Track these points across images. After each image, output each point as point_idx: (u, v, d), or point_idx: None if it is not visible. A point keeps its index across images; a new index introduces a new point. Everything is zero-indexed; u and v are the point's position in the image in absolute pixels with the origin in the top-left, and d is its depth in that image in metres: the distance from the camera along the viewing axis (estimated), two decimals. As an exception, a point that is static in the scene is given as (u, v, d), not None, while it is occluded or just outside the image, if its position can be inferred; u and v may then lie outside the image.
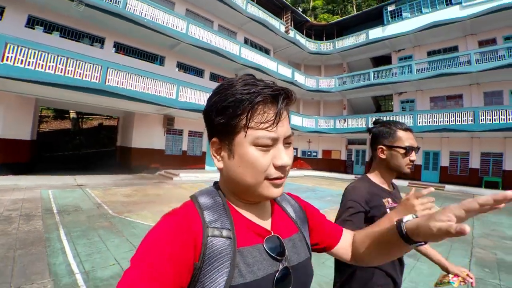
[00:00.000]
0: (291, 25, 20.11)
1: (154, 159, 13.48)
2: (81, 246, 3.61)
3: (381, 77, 18.40)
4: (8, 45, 7.76)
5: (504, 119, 13.11)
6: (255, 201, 0.57)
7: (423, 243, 0.51)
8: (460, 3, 16.33)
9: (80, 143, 20.30)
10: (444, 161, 16.43)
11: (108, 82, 9.55)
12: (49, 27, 10.47)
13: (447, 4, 16.99)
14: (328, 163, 21.36)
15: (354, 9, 41.33)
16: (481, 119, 13.70)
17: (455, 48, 17.36)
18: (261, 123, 0.49)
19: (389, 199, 1.19)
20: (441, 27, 16.69)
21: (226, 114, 0.49)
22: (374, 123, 1.31)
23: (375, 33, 19.48)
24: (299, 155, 22.13)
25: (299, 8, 44.06)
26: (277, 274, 0.51)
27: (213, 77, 15.92)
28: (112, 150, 18.77)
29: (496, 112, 13.32)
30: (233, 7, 15.43)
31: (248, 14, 16.22)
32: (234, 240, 0.49)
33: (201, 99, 12.40)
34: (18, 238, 3.71)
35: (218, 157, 0.54)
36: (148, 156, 13.39)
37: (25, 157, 10.18)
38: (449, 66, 15.70)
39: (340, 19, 24.19)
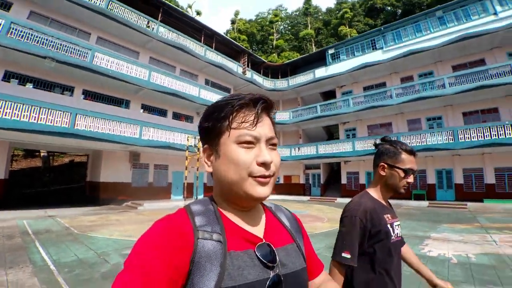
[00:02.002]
0: (248, 66, 23.07)
1: (121, 191, 14.70)
2: (51, 249, 5.10)
3: (329, 109, 21.37)
4: (-13, 99, 9.25)
5: (421, 141, 16.08)
6: (247, 206, 0.58)
7: None
8: (382, 48, 20.15)
9: (50, 180, 20.83)
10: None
11: (77, 126, 11.13)
12: (23, 80, 12.05)
13: (373, 49, 20.80)
14: (289, 187, 23.37)
15: (313, 46, 46.66)
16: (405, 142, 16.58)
17: (384, 84, 20.92)
18: (242, 122, 0.54)
19: (389, 215, 1.20)
20: (370, 67, 20.29)
21: (212, 119, 0.56)
22: (382, 140, 1.32)
23: (320, 72, 22.90)
24: (263, 180, 23.97)
25: (268, 46, 48.76)
26: (268, 281, 0.50)
27: (176, 116, 17.93)
28: (82, 185, 19.52)
29: (417, 136, 16.33)
30: (192, 54, 17.97)
31: (206, 59, 18.82)
32: (224, 243, 0.50)
33: (163, 136, 14.21)
34: (5, 247, 5.13)
35: (208, 162, 0.58)
36: (116, 189, 14.60)
37: (-3, 195, 11.16)
38: (380, 99, 18.94)
39: (291, 60, 27.92)
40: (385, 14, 46.79)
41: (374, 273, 1.12)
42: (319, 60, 23.94)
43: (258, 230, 0.59)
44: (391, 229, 1.17)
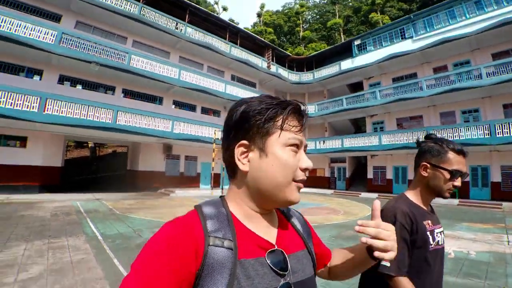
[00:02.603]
0: (273, 61, 23.44)
1: (156, 179, 16.33)
2: (99, 224, 6.35)
3: (356, 102, 21.04)
4: (47, 100, 11.00)
5: (455, 136, 15.27)
6: (269, 209, 0.59)
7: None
8: (412, 37, 19.26)
9: (97, 168, 23.56)
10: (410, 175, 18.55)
11: (118, 121, 12.68)
12: (74, 82, 13.87)
13: (402, 38, 19.95)
14: (313, 180, 23.57)
15: (342, 36, 45.18)
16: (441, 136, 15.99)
17: (415, 75, 20.01)
18: (293, 126, 0.55)
19: (429, 221, 1.11)
20: (399, 58, 19.51)
21: (263, 115, 0.54)
22: (426, 137, 1.21)
23: (346, 64, 22.51)
24: (288, 173, 24.55)
25: (296, 37, 48.37)
26: None
27: (204, 110, 19.12)
28: (123, 173, 21.82)
29: (450, 130, 15.49)
30: (218, 52, 18.88)
31: (231, 56, 19.63)
32: (235, 251, 0.48)
33: (192, 130, 15.44)
34: (64, 221, 6.49)
35: (243, 159, 0.55)
36: (151, 177, 16.26)
37: (56, 180, 13.26)
38: (410, 91, 18.26)
39: (316, 52, 27.61)
40: (422, -3, 43.34)
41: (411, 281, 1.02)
42: (346, 51, 23.43)
43: (271, 235, 0.58)
44: (430, 236, 1.08)
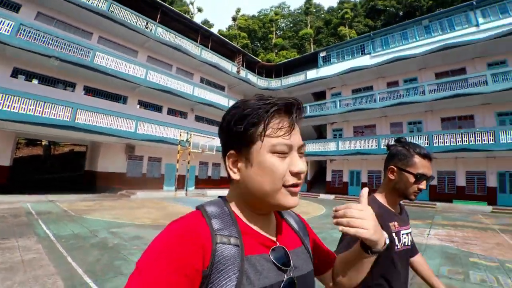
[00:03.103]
0: (243, 66, 24.02)
1: (116, 181, 15.88)
2: (52, 226, 6.27)
3: (319, 110, 22.39)
4: (-2, 94, 10.34)
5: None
6: (267, 212, 0.59)
7: (380, 250, 0.60)
8: (370, 53, 21.07)
9: (51, 168, 22.08)
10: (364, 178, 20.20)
11: (78, 120, 12.24)
12: (30, 76, 13.11)
13: (362, 54, 21.71)
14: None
15: (312, 46, 47.31)
16: (383, 145, 17.68)
17: (371, 87, 21.88)
18: (277, 129, 0.51)
19: (396, 223, 1.14)
20: (358, 71, 21.22)
21: (244, 123, 0.52)
22: (396, 141, 1.25)
23: (312, 74, 23.86)
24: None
25: (270, 43, 49.50)
26: (283, 284, 0.51)
27: (171, 111, 19.02)
28: (80, 174, 20.74)
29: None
30: (188, 54, 18.97)
31: (202, 59, 19.83)
32: (242, 248, 0.50)
33: (157, 131, 15.33)
34: (13, 223, 6.31)
35: (234, 169, 0.55)
36: (112, 179, 15.78)
37: (3, 180, 12.36)
38: (366, 102, 19.95)
39: (284, 61, 28.79)
40: (386, 15, 46.92)
41: (373, 282, 1.07)
42: (312, 61, 24.86)
43: (271, 234, 0.59)
44: (396, 238, 1.12)
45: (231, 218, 0.54)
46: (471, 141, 15.07)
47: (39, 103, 11.23)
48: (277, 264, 0.53)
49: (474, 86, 15.89)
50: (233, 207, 0.58)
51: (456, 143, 15.45)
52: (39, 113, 11.15)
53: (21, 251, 4.36)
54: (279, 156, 0.52)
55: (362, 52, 21.69)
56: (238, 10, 50.52)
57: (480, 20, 17.18)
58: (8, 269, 3.61)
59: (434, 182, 17.63)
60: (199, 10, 44.09)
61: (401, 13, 45.74)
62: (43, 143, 24.38)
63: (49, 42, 12.23)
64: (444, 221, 10.26)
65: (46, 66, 13.12)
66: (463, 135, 15.40)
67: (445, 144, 15.74)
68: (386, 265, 1.09)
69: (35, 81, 13.17)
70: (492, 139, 14.48)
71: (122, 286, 3.22)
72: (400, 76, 20.64)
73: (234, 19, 50.08)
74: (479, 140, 14.86)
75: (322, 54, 23.94)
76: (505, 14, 16.50)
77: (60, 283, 3.27)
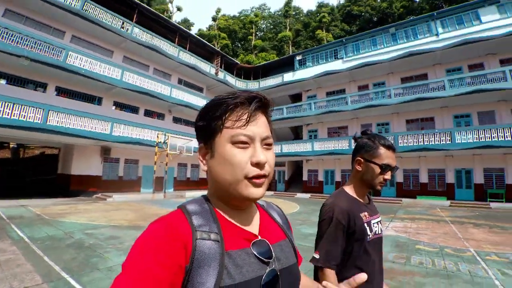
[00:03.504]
0: (221, 67, 24.31)
1: (92, 184, 15.62)
2: (25, 229, 6.32)
3: (295, 111, 23.17)
4: (-38, 96, 9.97)
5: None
6: (241, 206, 0.59)
7: None
8: (343, 58, 22.16)
9: (20, 172, 21.10)
10: (338, 177, 21.24)
11: (49, 121, 11.99)
12: (-3, 76, 12.64)
13: (335, 58, 22.77)
14: (257, 182, 25.05)
15: (290, 48, 48.37)
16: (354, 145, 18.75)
17: (344, 90, 22.99)
18: (235, 121, 0.53)
19: (366, 213, 1.18)
20: (331, 75, 22.24)
21: (207, 117, 0.56)
22: (362, 133, 1.29)
23: (288, 76, 24.65)
24: (232, 176, 25.64)
25: (250, 44, 49.91)
26: (264, 276, 0.52)
27: (148, 113, 18.94)
28: (53, 177, 20.02)
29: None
30: (165, 55, 18.98)
31: (179, 60, 19.90)
32: (222, 243, 0.51)
33: (133, 133, 15.27)
34: (-17, 229, 6.27)
35: (204, 161, 0.58)
36: (87, 182, 15.50)
37: (-32, 185, 11.84)
38: (338, 105, 20.96)
39: (262, 63, 29.48)
40: (361, 21, 48.92)
41: (349, 272, 1.09)
42: (289, 64, 25.65)
43: (254, 228, 0.60)
44: (368, 227, 1.14)
45: (211, 214, 0.55)
46: (431, 141, 16.44)
47: (7, 104, 10.91)
48: (260, 257, 0.54)
49: (434, 91, 17.33)
50: (214, 203, 0.59)
51: (418, 143, 16.77)
52: (7, 115, 10.84)
53: (-4, 253, 4.49)
54: (239, 147, 0.53)
55: (336, 56, 22.77)
56: (218, 11, 50.57)
57: (440, 30, 18.73)
58: (-15, 269, 3.77)
59: (400, 180, 18.98)
60: (179, 9, 43.68)
61: (375, 19, 47.96)
62: (10, 145, 23.20)
63: (18, 40, 11.87)
64: (404, 215, 11.24)
65: (16, 66, 12.71)
66: (424, 136, 16.75)
67: (409, 144, 17.01)
68: (360, 255, 1.11)
69: (2, 81, 12.71)
70: (449, 139, 15.91)
71: (98, 279, 3.56)
72: (370, 80, 21.92)
73: (214, 19, 50.05)
74: (438, 140, 16.25)
75: (298, 58, 24.80)
76: (461, 25, 18.14)
77: (38, 278, 3.51)
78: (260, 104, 0.57)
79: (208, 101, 0.59)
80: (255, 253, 0.54)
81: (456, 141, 15.67)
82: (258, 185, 0.54)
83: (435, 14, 19.05)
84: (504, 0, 17.30)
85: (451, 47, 17.69)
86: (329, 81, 23.14)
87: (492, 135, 14.90)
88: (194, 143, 17.58)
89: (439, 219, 10.40)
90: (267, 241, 0.59)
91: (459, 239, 6.80)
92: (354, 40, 22.24)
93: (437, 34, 18.66)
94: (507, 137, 14.49)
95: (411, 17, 37.70)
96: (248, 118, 0.54)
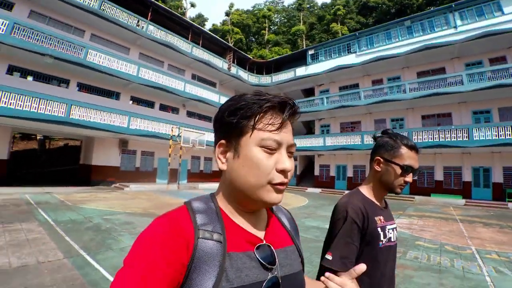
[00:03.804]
0: (234, 62, 24.59)
1: (110, 174, 16.53)
2: (51, 213, 6.97)
3: (307, 106, 23.13)
4: (-6, 91, 10.86)
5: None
6: (253, 209, 0.58)
7: None
8: (356, 52, 21.80)
9: (47, 162, 22.57)
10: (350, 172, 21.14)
11: (72, 115, 12.80)
12: (25, 73, 13.57)
13: (348, 52, 22.44)
14: (269, 176, 25.40)
15: (304, 42, 47.80)
16: (367, 140, 18.58)
17: (357, 85, 22.66)
18: (268, 124, 0.52)
19: (381, 217, 1.10)
20: (344, 69, 21.97)
21: (237, 115, 0.53)
22: (382, 132, 1.21)
23: (301, 71, 24.56)
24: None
25: (263, 38, 49.86)
26: (265, 283, 0.51)
27: (163, 107, 19.60)
28: (75, 167, 21.28)
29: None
30: (179, 51, 19.48)
31: (193, 56, 20.36)
32: (224, 244, 0.50)
33: (149, 126, 15.95)
34: (15, 210, 7.00)
35: (223, 159, 0.56)
36: (106, 172, 16.42)
37: (3, 173, 12.94)
38: (351, 99, 20.75)
39: (275, 58, 29.43)
40: (378, 12, 47.25)
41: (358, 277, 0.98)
42: (301, 59, 25.53)
43: (259, 231, 0.58)
44: (381, 233, 1.07)
45: (216, 214, 0.54)
46: (447, 138, 16.02)
47: (35, 99, 11.76)
48: (262, 262, 0.52)
49: (451, 86, 16.78)
50: (220, 202, 0.58)
51: (434, 140, 16.39)
52: (35, 109, 11.69)
53: (26, 233, 5.06)
54: (266, 152, 0.52)
55: (349, 50, 22.42)
56: (231, 6, 50.61)
57: (458, 22, 18.00)
58: (16, 245, 4.32)
59: (415, 178, 18.57)
60: (192, 5, 44.15)
61: (393, 10, 46.24)
62: (38, 137, 24.77)
63: (42, 40, 12.67)
64: (413, 212, 11.18)
65: (41, 63, 13.55)
66: (440, 132, 16.34)
67: (424, 141, 16.64)
68: (369, 262, 1.01)
69: (30, 78, 13.63)
70: (467, 136, 15.45)
71: (111, 257, 3.99)
72: (384, 74, 21.45)
73: (227, 14, 50.18)
74: (455, 137, 15.81)
75: (310, 52, 24.62)
76: (481, 17, 17.35)
77: (60, 255, 4.00)
78: (292, 111, 0.56)
79: (235, 97, 0.57)
80: (258, 257, 0.53)
81: (474, 138, 15.19)
82: (279, 191, 0.54)
83: (453, 5, 18.28)
84: (530, -11, 16.38)
85: (470, 40, 16.99)
86: (342, 75, 22.86)
87: (513, 132, 14.32)
88: (207, 137, 18.10)
89: (449, 217, 10.28)
90: (271, 246, 0.57)
91: (463, 237, 6.80)
92: (368, 33, 21.78)
93: (455, 27, 17.94)
94: (529, 134, 13.90)
95: (431, 8, 36.26)
96: (281, 124, 0.53)
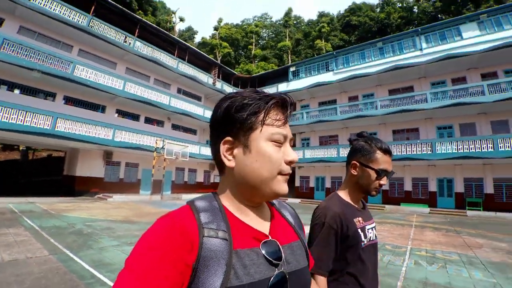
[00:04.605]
0: (219, 77, 25.69)
1: (94, 185, 16.88)
2: (35, 220, 7.51)
3: (290, 120, 24.19)
4: (-19, 104, 11.33)
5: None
6: (259, 202, 0.60)
7: None
8: (333, 70, 23.36)
9: (30, 172, 22.56)
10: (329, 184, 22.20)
11: (58, 128, 13.31)
12: (12, 86, 14.05)
13: (326, 70, 23.98)
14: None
15: (289, 57, 49.78)
16: (342, 153, 19.78)
17: (335, 101, 24.12)
18: (275, 120, 0.55)
19: (360, 218, 1.14)
20: (323, 86, 23.41)
21: (246, 111, 0.54)
22: (358, 135, 1.24)
23: (282, 87, 25.93)
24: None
25: (251, 52, 51.52)
26: (272, 279, 0.51)
27: (148, 120, 20.28)
28: (59, 178, 21.37)
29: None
30: (165, 67, 20.39)
31: (178, 71, 21.30)
32: (230, 241, 0.49)
33: (134, 138, 16.55)
34: (1, 218, 7.49)
35: (229, 156, 0.56)
36: (89, 183, 16.76)
37: (-16, 183, 13.16)
38: (329, 114, 22.09)
39: (259, 73, 30.81)
40: (360, 30, 49.80)
41: (343, 279, 1.07)
42: (284, 75, 26.96)
43: (264, 227, 0.59)
44: (362, 233, 1.11)
45: (220, 211, 0.54)
46: (413, 151, 17.43)
47: (21, 112, 12.26)
48: (268, 258, 0.53)
49: (418, 103, 18.36)
50: (224, 200, 0.58)
51: (402, 153, 17.75)
52: (21, 122, 12.18)
53: (13, 236, 5.66)
54: (276, 145, 0.55)
55: (327, 68, 23.99)
56: (220, 21, 52.43)
57: (424, 45, 19.85)
58: (5, 245, 4.94)
59: (386, 187, 19.86)
60: (181, 19, 45.54)
61: (374, 29, 49.00)
62: (20, 148, 24.74)
63: (31, 55, 13.26)
64: (378, 220, 12.17)
65: (28, 77, 14.03)
66: (408, 146, 17.75)
67: (394, 154, 17.90)
68: (353, 261, 1.08)
69: (16, 91, 14.11)
70: (431, 150, 16.88)
71: (91, 254, 4.68)
72: (359, 91, 23.03)
73: (215, 28, 51.85)
74: (421, 150, 17.23)
75: (292, 69, 26.09)
76: (444, 41, 19.26)
77: (46, 252, 4.66)
78: (293, 107, 0.60)
79: (234, 94, 0.58)
80: (264, 253, 0.53)
81: (437, 152, 16.63)
82: (285, 182, 0.57)
83: (419, 30, 20.22)
84: (483, 17, 18.42)
85: (435, 61, 18.75)
86: (320, 91, 24.31)
87: (472, 146, 15.81)
88: (190, 149, 18.82)
89: (406, 223, 11.32)
90: (277, 242, 0.57)
91: (407, 239, 7.79)
92: (344, 53, 23.46)
93: (421, 49, 19.77)
94: (486, 148, 15.39)
95: (409, 28, 38.96)
96: (286, 119, 0.58)
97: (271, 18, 66.77)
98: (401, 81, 21.20)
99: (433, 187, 18.44)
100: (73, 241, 5.54)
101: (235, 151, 0.56)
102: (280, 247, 0.57)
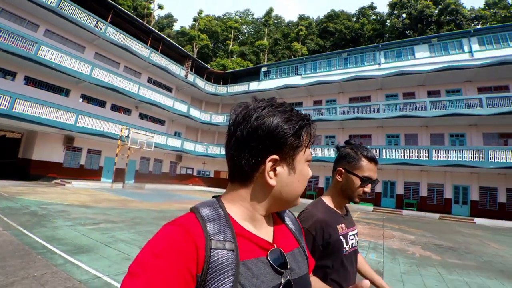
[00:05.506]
0: (192, 71, 25.91)
1: (52, 170, 16.57)
2: (-13, 202, 7.70)
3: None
4: None
5: (320, 154, 20.73)
6: (272, 213, 0.62)
7: None
8: (301, 74, 24.72)
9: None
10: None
11: (15, 109, 12.99)
12: (-34, 61, 13.39)
13: (295, 74, 25.30)
14: (218, 181, 26.88)
15: (266, 56, 50.74)
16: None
17: (301, 103, 25.55)
18: (310, 142, 0.58)
19: (343, 225, 1.16)
20: (291, 88, 24.71)
21: (296, 133, 0.54)
22: (346, 142, 1.27)
23: (253, 85, 26.83)
24: (195, 173, 27.25)
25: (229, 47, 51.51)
26: (280, 287, 0.52)
27: (114, 107, 20.12)
28: (13, 161, 20.42)
29: (316, 150, 20.96)
30: (136, 55, 20.29)
31: (150, 60, 21.27)
32: (236, 252, 0.49)
33: (98, 125, 16.47)
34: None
35: (272, 174, 0.54)
36: (47, 167, 16.42)
37: None
38: (295, 115, 23.39)
39: (232, 70, 31.48)
40: (336, 37, 52.00)
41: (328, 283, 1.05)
42: (256, 74, 27.89)
43: (268, 235, 0.59)
44: (344, 240, 1.13)
45: (226, 221, 0.53)
46: (364, 156, 19.26)
47: (-25, 90, 11.85)
48: (275, 267, 0.53)
49: (372, 112, 20.27)
50: (231, 208, 0.57)
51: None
52: (-26, 100, 11.80)
53: (-34, 213, 5.97)
54: (308, 165, 0.59)
55: (296, 72, 25.31)
56: (200, 12, 51.80)
57: (382, 60, 21.84)
58: (-41, 221, 5.31)
59: (379, 190, 21.57)
60: (160, 7, 44.37)
61: (348, 37, 51.49)
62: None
63: (-10, 31, 12.76)
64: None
65: (-15, 54, 13.50)
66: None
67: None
68: (336, 268, 1.09)
69: (-29, 67, 13.49)
70: (378, 155, 18.81)
71: (44, 231, 5.24)
72: (324, 96, 24.69)
73: (195, 20, 51.19)
74: (377, 155, 19.07)
75: (264, 69, 27.09)
76: (399, 58, 21.36)
77: (0, 229, 5.14)
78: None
79: (282, 109, 0.58)
80: (271, 262, 0.53)
81: (384, 157, 18.60)
82: None
83: (380, 45, 22.17)
84: (434, 41, 20.72)
85: (389, 76, 20.77)
86: (289, 93, 25.61)
87: (413, 154, 17.95)
88: (157, 140, 19.08)
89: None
90: (282, 250, 0.57)
91: (336, 230, 9.10)
92: (312, 59, 24.92)
93: (379, 64, 21.73)
94: (423, 157, 17.59)
95: (381, 40, 41.67)
96: (314, 140, 0.60)
97: (253, 15, 67.12)
98: (360, 91, 23.12)
99: (378, 188, 20.56)
100: (27, 221, 5.99)
101: (279, 169, 0.55)
102: (285, 255, 0.57)
